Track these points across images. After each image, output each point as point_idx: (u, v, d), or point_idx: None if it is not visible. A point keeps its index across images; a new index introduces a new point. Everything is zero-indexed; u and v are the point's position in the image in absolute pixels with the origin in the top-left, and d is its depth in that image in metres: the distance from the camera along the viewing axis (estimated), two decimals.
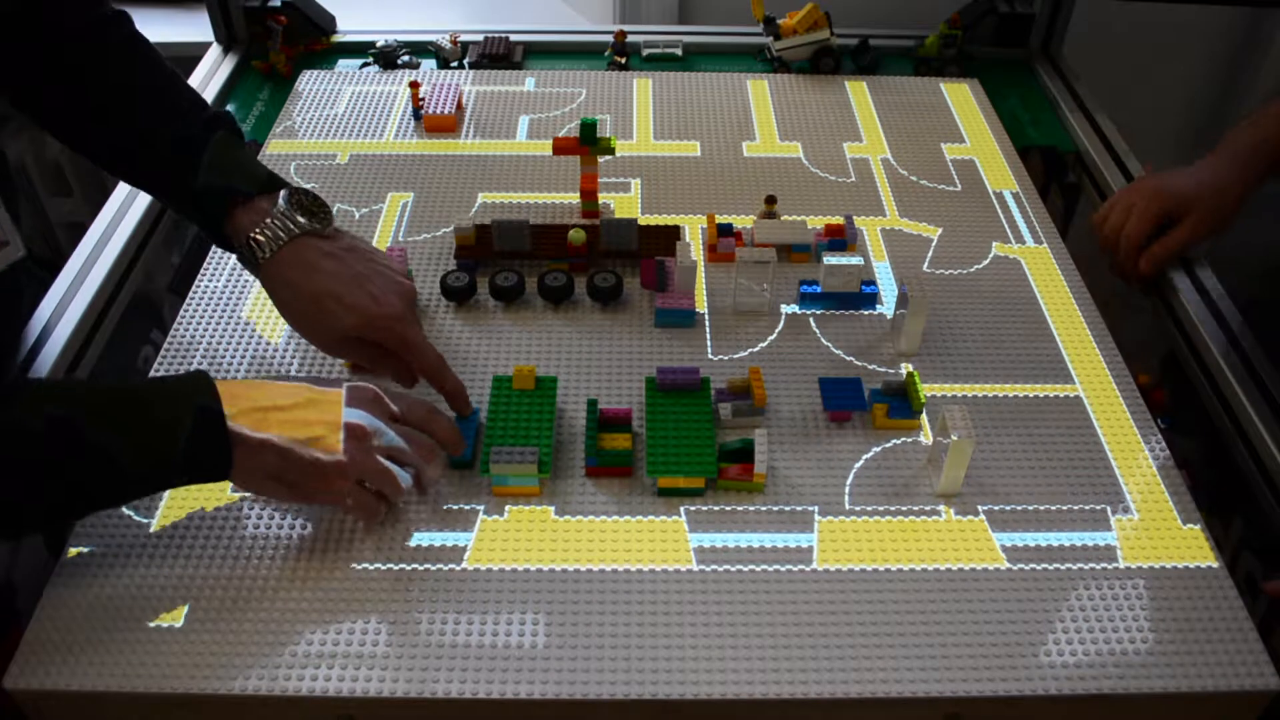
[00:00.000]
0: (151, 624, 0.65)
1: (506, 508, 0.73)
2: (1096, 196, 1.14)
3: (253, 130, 1.18)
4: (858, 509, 0.74)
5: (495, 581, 0.69)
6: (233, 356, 0.84)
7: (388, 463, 0.70)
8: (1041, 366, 0.86)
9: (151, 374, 0.83)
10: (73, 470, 0.60)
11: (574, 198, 1.04)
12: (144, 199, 1.04)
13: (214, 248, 0.95)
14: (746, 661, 0.64)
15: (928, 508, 0.74)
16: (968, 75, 1.27)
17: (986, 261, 0.97)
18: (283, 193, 0.75)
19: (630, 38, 1.31)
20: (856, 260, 0.89)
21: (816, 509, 0.74)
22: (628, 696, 0.62)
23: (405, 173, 1.06)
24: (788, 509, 0.74)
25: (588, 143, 0.96)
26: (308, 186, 1.04)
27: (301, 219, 0.74)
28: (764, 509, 0.74)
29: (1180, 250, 0.95)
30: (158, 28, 1.56)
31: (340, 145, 1.10)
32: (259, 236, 0.73)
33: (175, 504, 0.73)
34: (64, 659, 0.63)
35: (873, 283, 0.92)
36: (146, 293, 1.00)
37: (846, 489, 0.75)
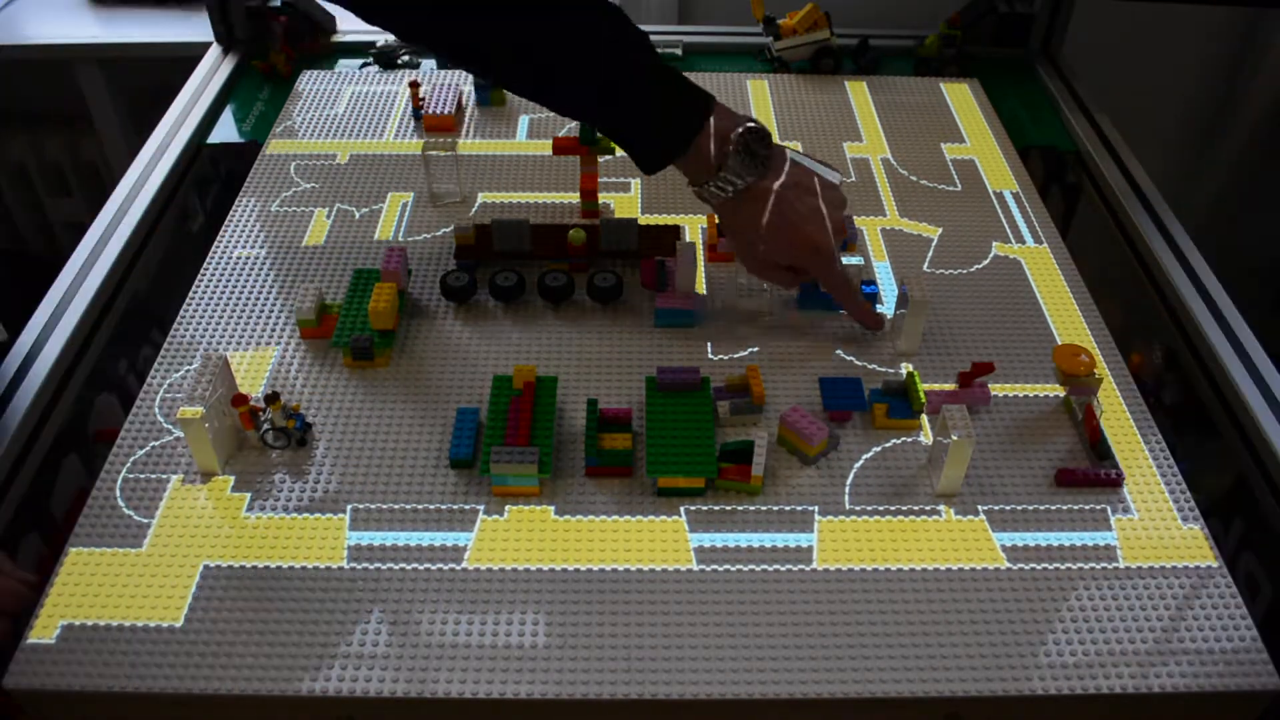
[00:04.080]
0: (151, 624, 0.65)
1: (506, 508, 0.73)
2: (1096, 196, 1.15)
3: (253, 130, 1.18)
4: (858, 509, 0.74)
5: (495, 581, 0.69)
6: (232, 356, 0.84)
7: None
8: (1042, 366, 0.86)
9: (151, 374, 0.83)
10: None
11: (574, 198, 1.04)
12: (144, 199, 1.04)
13: (215, 248, 0.95)
14: (746, 661, 0.64)
15: (928, 508, 0.74)
16: (968, 75, 1.27)
17: (986, 261, 0.97)
18: (742, 129, 0.80)
19: None
20: (856, 260, 0.89)
21: (816, 509, 0.74)
22: (628, 696, 0.62)
23: (405, 173, 1.06)
24: (787, 509, 0.74)
25: (587, 142, 0.96)
26: (309, 187, 1.04)
27: (754, 162, 0.80)
28: (764, 509, 0.74)
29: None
30: (158, 28, 1.56)
31: (340, 145, 1.10)
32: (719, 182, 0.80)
33: (175, 504, 0.73)
34: (64, 659, 0.63)
35: (873, 283, 0.92)
36: (146, 293, 1.00)
37: (846, 489, 0.75)
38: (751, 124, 0.80)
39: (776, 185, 0.81)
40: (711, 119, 0.79)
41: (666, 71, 0.80)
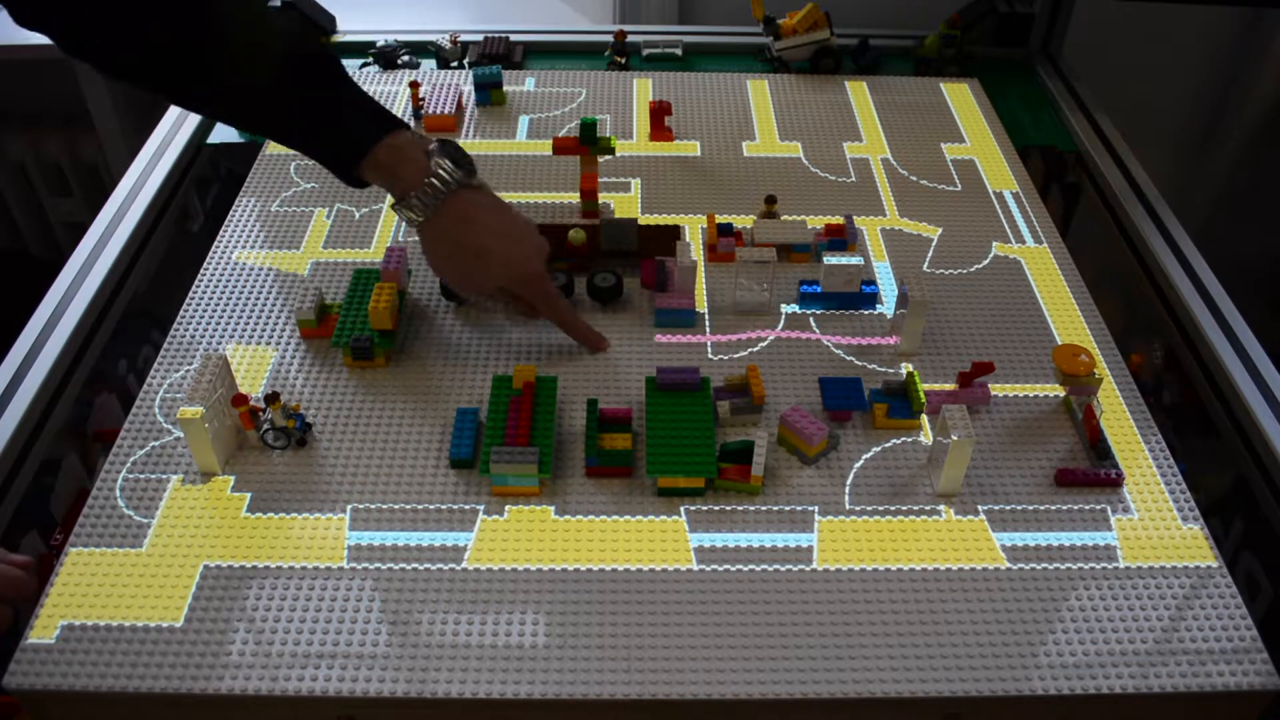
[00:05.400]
0: (151, 624, 0.65)
1: (506, 508, 0.73)
2: (1096, 196, 1.15)
3: None
4: (858, 509, 0.74)
5: (495, 581, 0.69)
6: (232, 356, 0.84)
7: None
8: (1042, 366, 0.86)
9: (151, 374, 0.83)
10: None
11: (574, 198, 1.03)
12: (144, 199, 1.04)
13: (215, 248, 0.95)
14: (746, 661, 0.64)
15: (928, 508, 0.74)
16: (968, 75, 1.27)
17: (986, 261, 0.97)
18: (435, 144, 0.78)
19: (630, 38, 1.31)
20: (856, 260, 0.89)
21: (816, 509, 0.74)
22: (628, 696, 0.62)
23: None
24: (787, 509, 0.74)
25: (588, 143, 0.96)
26: (309, 187, 1.04)
27: (457, 173, 0.78)
28: (764, 509, 0.74)
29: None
30: None
31: None
32: (421, 194, 0.76)
33: (175, 504, 0.73)
34: (64, 659, 0.63)
35: (873, 283, 0.92)
36: (146, 293, 1.00)
37: (846, 489, 0.75)
38: (443, 139, 0.78)
39: (480, 198, 0.80)
40: (397, 132, 0.77)
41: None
